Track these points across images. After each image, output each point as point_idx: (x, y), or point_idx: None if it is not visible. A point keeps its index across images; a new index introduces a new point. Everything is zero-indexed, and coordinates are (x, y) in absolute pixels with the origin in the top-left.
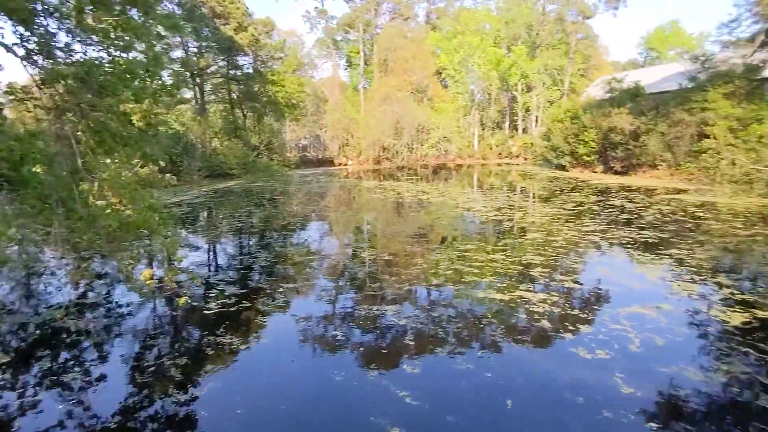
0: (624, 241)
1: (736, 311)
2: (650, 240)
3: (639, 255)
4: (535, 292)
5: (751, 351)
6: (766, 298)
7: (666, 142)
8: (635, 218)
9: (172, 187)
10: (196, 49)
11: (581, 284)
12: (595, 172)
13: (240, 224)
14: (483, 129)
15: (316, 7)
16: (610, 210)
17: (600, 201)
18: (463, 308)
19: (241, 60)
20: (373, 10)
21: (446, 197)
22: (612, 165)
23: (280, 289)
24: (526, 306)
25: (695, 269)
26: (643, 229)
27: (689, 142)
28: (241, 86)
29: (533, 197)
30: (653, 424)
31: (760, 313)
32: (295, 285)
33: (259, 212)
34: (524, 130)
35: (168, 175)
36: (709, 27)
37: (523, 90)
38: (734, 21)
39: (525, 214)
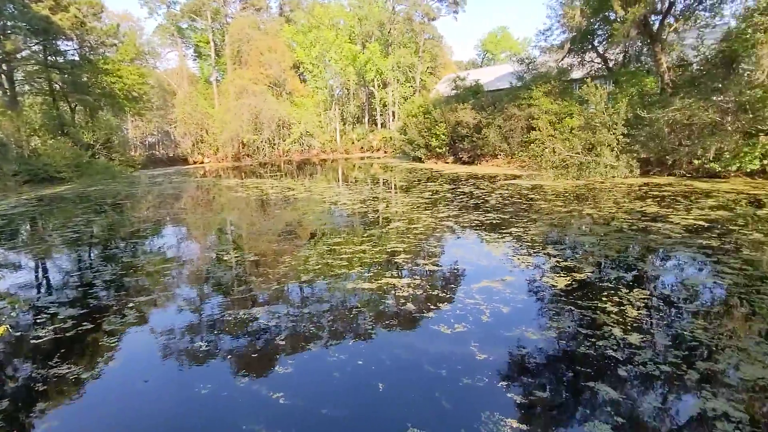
0: (474, 224)
1: (561, 276)
2: (494, 221)
3: (486, 235)
4: (401, 278)
5: (573, 308)
6: (581, 263)
7: (503, 134)
8: (482, 203)
9: None
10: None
11: (440, 266)
12: (447, 163)
13: (76, 235)
14: (344, 124)
15: None
16: (461, 197)
17: (452, 189)
18: (334, 301)
19: (64, 45)
20: None
21: (312, 192)
22: (461, 156)
23: (131, 304)
24: (393, 292)
25: (530, 243)
26: (488, 212)
27: (521, 134)
28: (66, 76)
29: (394, 188)
30: (504, 383)
31: (578, 276)
32: (151, 297)
33: (101, 220)
34: (383, 125)
35: None
36: (531, 33)
37: (379, 86)
38: (548, 30)
39: (388, 205)
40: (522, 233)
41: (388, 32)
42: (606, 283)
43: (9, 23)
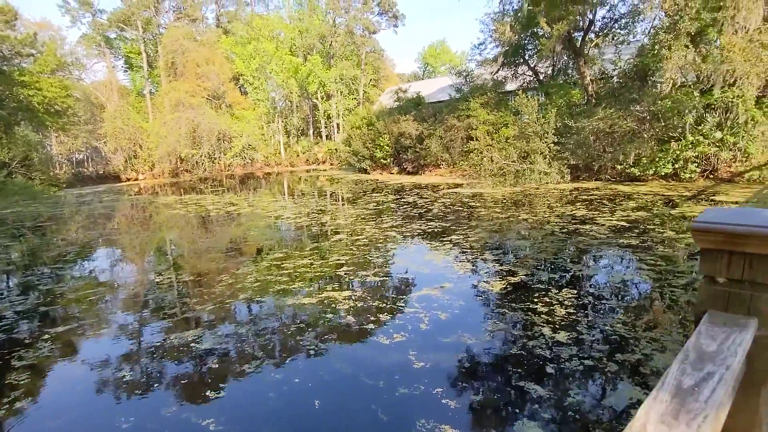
0: (416, 233)
1: (497, 280)
2: (437, 229)
3: (427, 243)
4: (342, 291)
5: (507, 310)
6: (516, 267)
7: (444, 144)
8: (425, 212)
9: None
10: None
11: (382, 276)
12: (392, 173)
13: None
14: (288, 136)
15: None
16: (405, 206)
17: (397, 199)
18: (272, 319)
19: None
20: (153, 7)
21: (255, 207)
22: (405, 166)
23: (48, 336)
24: (334, 305)
25: (469, 249)
26: (431, 220)
27: (461, 144)
28: None
29: (340, 200)
30: (439, 389)
31: (513, 279)
32: (73, 326)
33: (17, 245)
34: (328, 137)
35: None
36: (468, 47)
37: (322, 98)
38: (482, 44)
39: (333, 217)
40: (462, 240)
41: (330, 45)
42: (538, 285)
43: None
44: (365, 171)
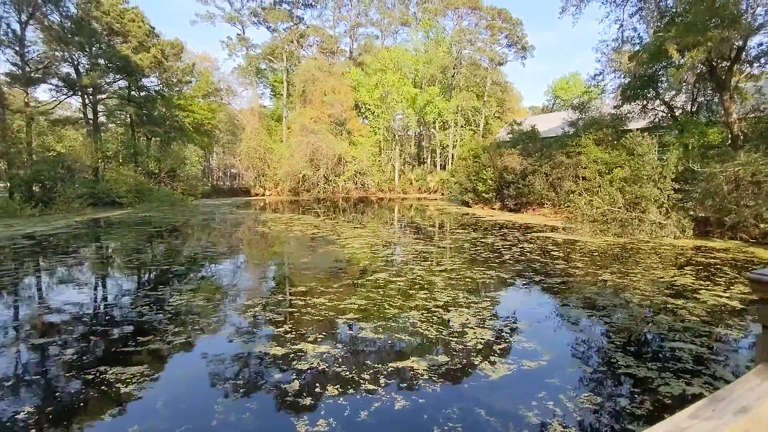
0: (461, 282)
1: (491, 364)
2: (488, 280)
3: (464, 295)
4: (315, 346)
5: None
6: (522, 358)
7: (550, 182)
8: (495, 256)
9: (37, 216)
10: (89, 66)
11: (350, 345)
12: (494, 209)
13: (75, 262)
14: (404, 164)
15: (238, 34)
16: (478, 248)
17: (476, 239)
18: (380, 343)
19: (147, 81)
20: (296, 41)
21: (365, 231)
22: (507, 203)
23: (177, 330)
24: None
25: (494, 316)
26: (492, 268)
27: (570, 182)
28: (142, 109)
29: (419, 234)
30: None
31: (504, 370)
32: (190, 327)
33: (142, 245)
34: (443, 167)
35: None
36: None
37: (440, 128)
38: (599, 75)
39: (392, 251)
40: (501, 299)
41: (452, 76)
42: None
43: (93, 60)
44: (467, 204)
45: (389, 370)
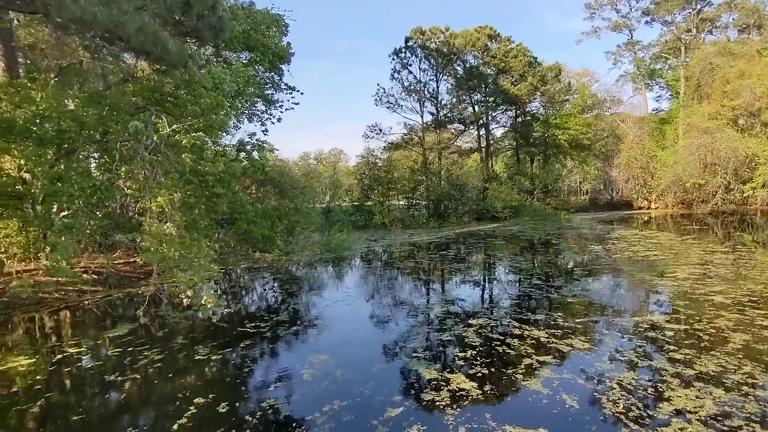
0: None
1: None
2: None
3: None
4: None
5: None
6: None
7: None
8: None
9: (433, 227)
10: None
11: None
12: None
13: (423, 266)
14: None
15: (626, 41)
16: None
17: None
18: None
19: (529, 107)
20: (695, 29)
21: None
22: None
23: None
24: None
25: None
26: None
27: None
28: (519, 133)
29: None
30: None
31: None
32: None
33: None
34: None
35: None
36: None
37: None
38: None
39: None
40: None
41: None
42: None
43: (484, 98)
44: None
45: None
